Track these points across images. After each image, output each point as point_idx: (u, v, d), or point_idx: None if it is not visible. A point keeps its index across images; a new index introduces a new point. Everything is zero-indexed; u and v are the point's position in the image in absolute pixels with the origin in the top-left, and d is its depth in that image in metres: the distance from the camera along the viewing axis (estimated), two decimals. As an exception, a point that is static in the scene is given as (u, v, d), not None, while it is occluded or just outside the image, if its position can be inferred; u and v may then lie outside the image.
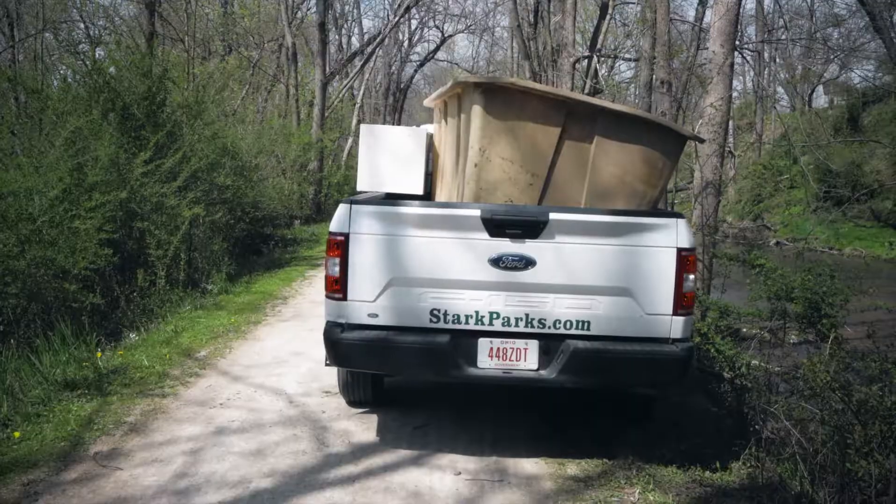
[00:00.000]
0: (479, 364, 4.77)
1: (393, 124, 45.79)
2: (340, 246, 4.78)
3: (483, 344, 4.77)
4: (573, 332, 4.74)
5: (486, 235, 4.67)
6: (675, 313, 4.74)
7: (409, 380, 6.43)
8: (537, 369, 4.78)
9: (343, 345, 4.79)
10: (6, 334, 7.01)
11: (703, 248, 8.30)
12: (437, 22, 46.55)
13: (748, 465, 4.88)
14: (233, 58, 23.84)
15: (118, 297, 8.56)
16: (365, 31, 48.14)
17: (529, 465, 4.78)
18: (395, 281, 4.74)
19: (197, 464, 4.63)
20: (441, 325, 4.75)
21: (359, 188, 6.15)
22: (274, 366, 6.88)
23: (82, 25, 23.99)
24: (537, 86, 5.10)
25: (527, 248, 4.67)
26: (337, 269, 4.77)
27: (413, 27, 46.30)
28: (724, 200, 28.69)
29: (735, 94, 38.33)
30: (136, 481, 4.37)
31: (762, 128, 35.04)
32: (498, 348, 4.78)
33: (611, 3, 19.06)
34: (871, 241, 23.02)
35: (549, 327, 4.74)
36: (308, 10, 29.31)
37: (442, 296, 4.75)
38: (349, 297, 4.78)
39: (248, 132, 17.59)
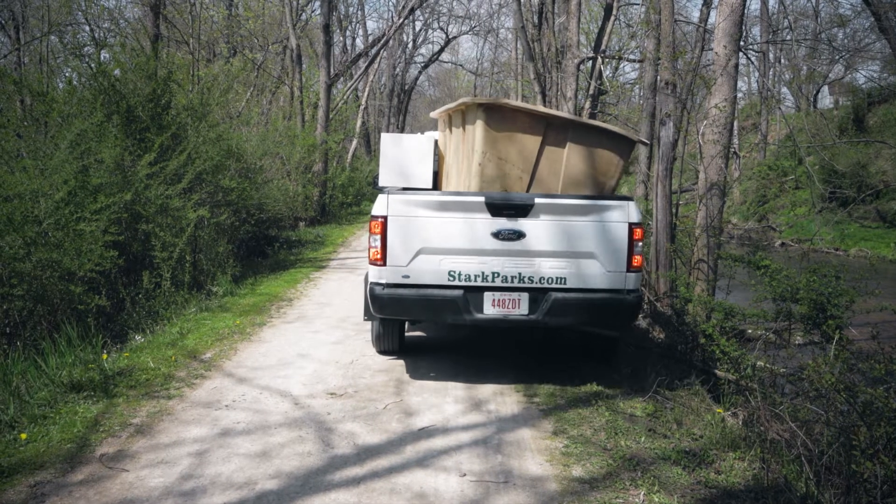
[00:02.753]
0: (485, 311, 6.35)
1: (397, 125, 45.97)
2: (381, 225, 6.30)
3: (487, 296, 6.34)
4: (554, 286, 6.33)
5: (488, 215, 6.25)
6: (628, 270, 6.35)
7: (434, 325, 8.51)
8: (528, 314, 6.36)
9: (384, 299, 6.32)
10: (13, 336, 7.05)
11: (707, 249, 8.30)
12: (441, 23, 46.77)
13: (753, 466, 4.88)
14: (237, 60, 23.85)
15: (123, 299, 8.59)
16: (369, 32, 48.27)
17: (534, 467, 4.78)
18: (422, 250, 6.30)
19: (203, 465, 4.64)
20: (456, 282, 6.32)
21: (380, 184, 7.55)
22: (279, 367, 6.90)
23: (87, 28, 24.03)
24: (524, 105, 6.74)
25: (519, 224, 6.26)
26: (378, 243, 6.30)
27: (417, 29, 46.48)
28: (728, 201, 28.65)
29: (740, 94, 38.29)
30: (142, 483, 4.38)
31: (767, 128, 35.01)
32: (499, 299, 6.36)
33: (615, 4, 19.03)
34: (876, 242, 22.95)
35: (536, 283, 6.33)
36: (312, 12, 29.41)
37: (457, 261, 6.32)
38: (388, 263, 6.32)
39: (252, 134, 17.61)
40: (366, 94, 34.84)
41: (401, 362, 7.17)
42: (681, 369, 7.30)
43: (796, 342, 7.39)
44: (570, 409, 5.90)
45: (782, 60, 37.43)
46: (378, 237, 6.30)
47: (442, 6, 43.79)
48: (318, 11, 27.06)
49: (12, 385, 5.73)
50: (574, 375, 6.94)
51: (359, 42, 45.86)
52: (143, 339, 7.71)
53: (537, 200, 6.24)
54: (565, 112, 9.31)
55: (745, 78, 41.70)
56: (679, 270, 9.04)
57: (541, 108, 7.01)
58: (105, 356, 6.65)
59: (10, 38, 26.02)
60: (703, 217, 8.44)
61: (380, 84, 48.38)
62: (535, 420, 5.67)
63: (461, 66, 56.02)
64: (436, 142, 8.06)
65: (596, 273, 6.32)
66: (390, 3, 65.58)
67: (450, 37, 46.39)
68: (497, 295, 6.33)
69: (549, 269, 6.30)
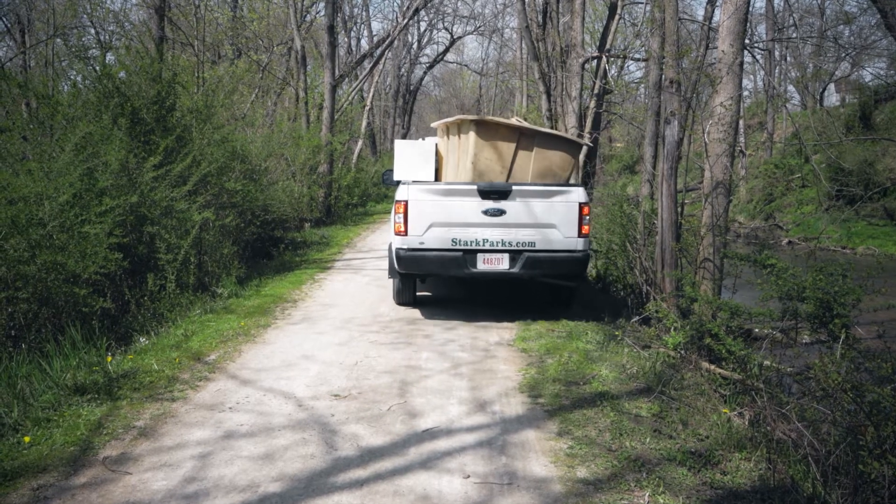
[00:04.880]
0: (478, 267, 8.81)
1: (403, 126, 46.03)
2: (403, 206, 8.71)
3: (479, 256, 8.80)
4: (526, 248, 8.80)
5: (479, 198, 8.72)
6: (578, 236, 8.82)
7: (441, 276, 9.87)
8: (508, 269, 8.82)
9: (406, 259, 8.78)
10: (17, 339, 7.05)
11: (713, 248, 8.27)
12: (446, 24, 46.70)
13: (760, 466, 4.84)
14: (242, 61, 23.85)
15: (128, 301, 8.59)
16: (374, 33, 48.22)
17: (539, 468, 4.75)
18: (433, 224, 8.73)
19: (206, 468, 4.63)
20: (458, 247, 8.77)
21: (395, 178, 9.92)
22: (283, 369, 6.88)
23: (92, 31, 24.10)
24: (503, 120, 9.42)
25: (501, 204, 8.72)
26: (401, 219, 8.73)
27: (422, 29, 46.48)
28: (735, 200, 28.54)
29: (746, 93, 38.16)
30: (145, 486, 4.37)
31: (773, 127, 34.87)
32: (487, 258, 8.81)
33: (619, 2, 18.98)
34: (884, 240, 22.82)
35: (514, 246, 8.79)
36: (317, 13, 29.38)
37: (458, 231, 8.76)
38: (409, 234, 8.74)
39: (257, 135, 17.61)
40: (371, 94, 34.84)
41: (404, 364, 7.15)
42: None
43: (803, 341, 7.36)
44: (574, 409, 5.86)
45: (788, 58, 37.31)
46: (401, 215, 8.72)
47: (447, 6, 43.75)
48: (322, 13, 27.02)
49: (17, 388, 5.73)
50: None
51: (364, 43, 45.89)
52: (147, 342, 7.70)
53: (514, 187, 8.76)
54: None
55: (751, 76, 41.65)
56: (685, 270, 9.00)
57: (515, 121, 9.71)
58: (109, 358, 6.65)
59: (16, 41, 26.12)
60: (709, 216, 8.40)
61: (385, 85, 48.39)
62: (539, 421, 5.64)
63: (466, 66, 56.07)
64: (436, 146, 10.51)
65: (556, 238, 8.81)
66: (395, 4, 65.62)
67: (454, 37, 46.36)
68: (486, 255, 8.81)
69: (522, 236, 8.78)
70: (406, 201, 8.70)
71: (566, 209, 8.75)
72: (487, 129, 9.06)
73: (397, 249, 8.80)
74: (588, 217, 8.83)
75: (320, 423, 5.48)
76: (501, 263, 8.78)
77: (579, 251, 8.83)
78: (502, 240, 8.74)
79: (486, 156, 9.09)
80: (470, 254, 8.76)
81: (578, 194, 8.81)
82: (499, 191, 8.70)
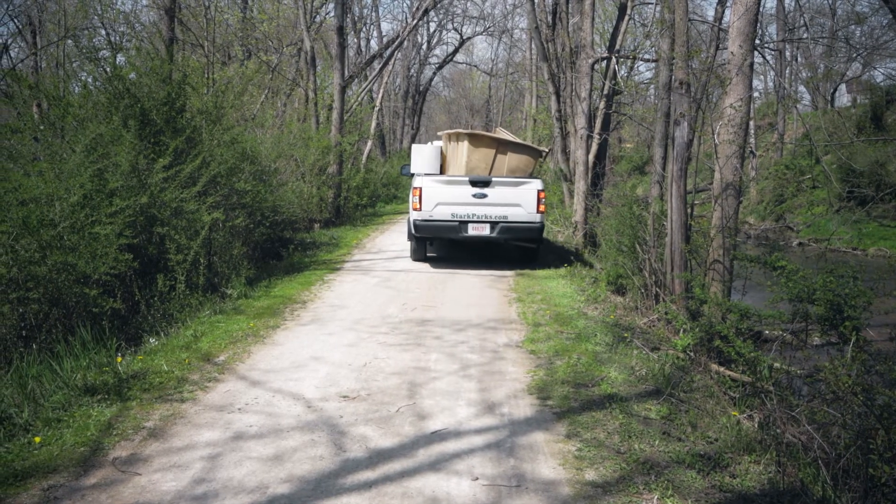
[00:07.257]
0: (469, 232, 12.74)
1: (412, 126, 46.14)
2: (419, 191, 12.68)
3: (470, 225, 12.74)
4: (501, 220, 12.69)
5: (470, 186, 12.67)
6: (536, 212, 12.71)
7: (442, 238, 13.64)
8: (489, 234, 12.73)
9: (420, 227, 12.76)
10: (28, 339, 7.09)
11: (723, 250, 8.24)
12: (455, 24, 46.74)
13: (769, 470, 4.82)
14: (252, 62, 23.90)
15: (138, 301, 8.62)
16: (383, 34, 48.38)
17: (547, 471, 4.75)
18: (439, 203, 12.66)
19: (215, 469, 4.65)
20: (455, 218, 12.71)
21: (411, 171, 14.08)
22: (292, 370, 6.89)
23: (103, 32, 24.22)
24: (488, 133, 13.46)
25: (485, 190, 12.64)
26: (417, 199, 12.67)
27: (432, 30, 46.49)
28: (745, 201, 28.40)
29: (756, 93, 37.99)
30: (155, 487, 4.38)
31: (784, 127, 34.70)
32: (475, 226, 12.72)
33: (629, 3, 18.95)
34: (895, 241, 22.67)
35: (493, 218, 12.69)
36: (327, 14, 29.43)
37: (455, 208, 12.69)
38: (422, 209, 12.67)
39: (267, 136, 17.63)
40: (380, 95, 34.85)
41: (413, 366, 7.14)
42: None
43: (813, 343, 7.32)
44: (583, 412, 5.85)
45: (799, 59, 37.13)
46: (417, 197, 12.70)
47: (456, 7, 43.80)
48: (332, 13, 27.07)
49: (27, 388, 5.77)
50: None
51: (373, 44, 45.93)
52: (157, 342, 7.73)
53: (493, 179, 12.74)
54: (510, 135, 15.41)
55: (761, 77, 41.45)
56: (694, 271, 8.97)
57: (496, 135, 13.89)
58: (119, 359, 6.67)
59: (27, 43, 26.28)
60: (719, 217, 8.38)
61: (394, 85, 48.41)
62: (548, 423, 5.63)
63: (476, 66, 56.12)
64: (440, 148, 14.40)
65: (521, 213, 12.71)
66: (404, 5, 65.67)
67: (464, 38, 46.38)
68: (474, 225, 12.73)
69: (498, 211, 12.65)
70: (421, 187, 12.75)
71: (528, 194, 12.71)
72: (476, 139, 13.20)
73: (414, 220, 12.84)
74: (544, 199, 12.84)
75: (329, 424, 5.49)
76: (484, 230, 12.76)
77: (537, 223, 12.83)
78: (485, 214, 12.68)
79: (475, 157, 13.09)
80: (463, 223, 12.74)
81: (537, 184, 12.83)
82: (483, 181, 12.70)
